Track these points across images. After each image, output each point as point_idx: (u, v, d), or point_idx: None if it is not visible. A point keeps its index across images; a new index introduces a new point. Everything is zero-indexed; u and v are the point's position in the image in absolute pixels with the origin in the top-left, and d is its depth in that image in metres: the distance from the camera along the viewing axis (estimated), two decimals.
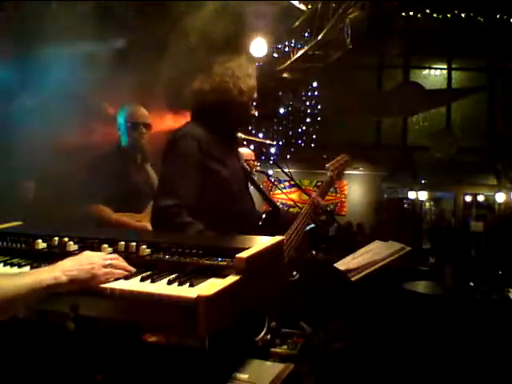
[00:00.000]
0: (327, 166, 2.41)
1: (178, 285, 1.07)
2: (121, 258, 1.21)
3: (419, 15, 10.05)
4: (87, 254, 1.19)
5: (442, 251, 8.65)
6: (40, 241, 1.36)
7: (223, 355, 1.31)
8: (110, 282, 1.13)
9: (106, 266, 1.14)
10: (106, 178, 2.59)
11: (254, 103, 2.10)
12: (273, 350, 1.56)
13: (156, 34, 3.95)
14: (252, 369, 1.39)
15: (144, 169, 2.90)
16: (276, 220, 2.08)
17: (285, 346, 1.57)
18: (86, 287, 1.11)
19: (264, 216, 2.04)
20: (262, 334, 1.55)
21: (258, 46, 6.23)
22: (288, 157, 9.42)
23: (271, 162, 2.76)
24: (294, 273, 1.98)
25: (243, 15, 4.34)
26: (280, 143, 9.55)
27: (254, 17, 4.91)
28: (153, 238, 1.38)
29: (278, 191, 8.31)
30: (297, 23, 7.19)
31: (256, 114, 2.14)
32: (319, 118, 10.66)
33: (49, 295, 1.08)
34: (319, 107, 10.46)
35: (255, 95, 2.08)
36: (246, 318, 1.22)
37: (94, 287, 1.11)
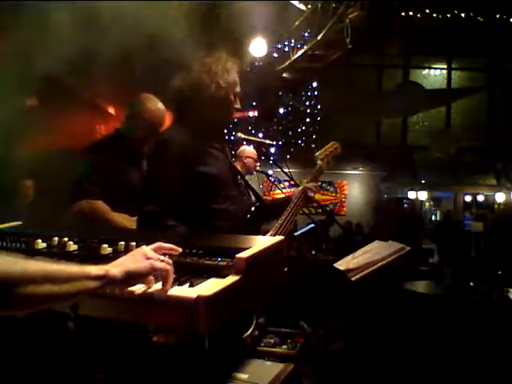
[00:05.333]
0: (316, 154, 2.41)
1: (178, 285, 1.07)
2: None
3: (419, 15, 10.06)
4: (140, 249, 1.10)
5: (444, 251, 8.66)
6: (40, 241, 1.36)
7: (223, 355, 1.31)
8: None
9: (162, 261, 1.06)
10: (106, 169, 2.40)
11: (237, 98, 2.04)
12: (272, 349, 1.55)
13: None
14: (252, 369, 1.40)
15: (139, 170, 2.62)
16: (263, 212, 2.08)
17: (285, 346, 1.56)
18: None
19: (252, 209, 2.04)
20: (250, 330, 1.53)
21: (258, 46, 6.24)
22: (288, 157, 9.42)
23: (271, 162, 2.75)
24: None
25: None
26: (280, 143, 9.54)
27: (254, 17, 4.91)
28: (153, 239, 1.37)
29: (278, 191, 8.31)
30: (297, 23, 7.20)
31: (240, 107, 2.08)
32: (319, 118, 10.67)
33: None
34: (319, 107, 10.46)
35: (237, 89, 2.02)
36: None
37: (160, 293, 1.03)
